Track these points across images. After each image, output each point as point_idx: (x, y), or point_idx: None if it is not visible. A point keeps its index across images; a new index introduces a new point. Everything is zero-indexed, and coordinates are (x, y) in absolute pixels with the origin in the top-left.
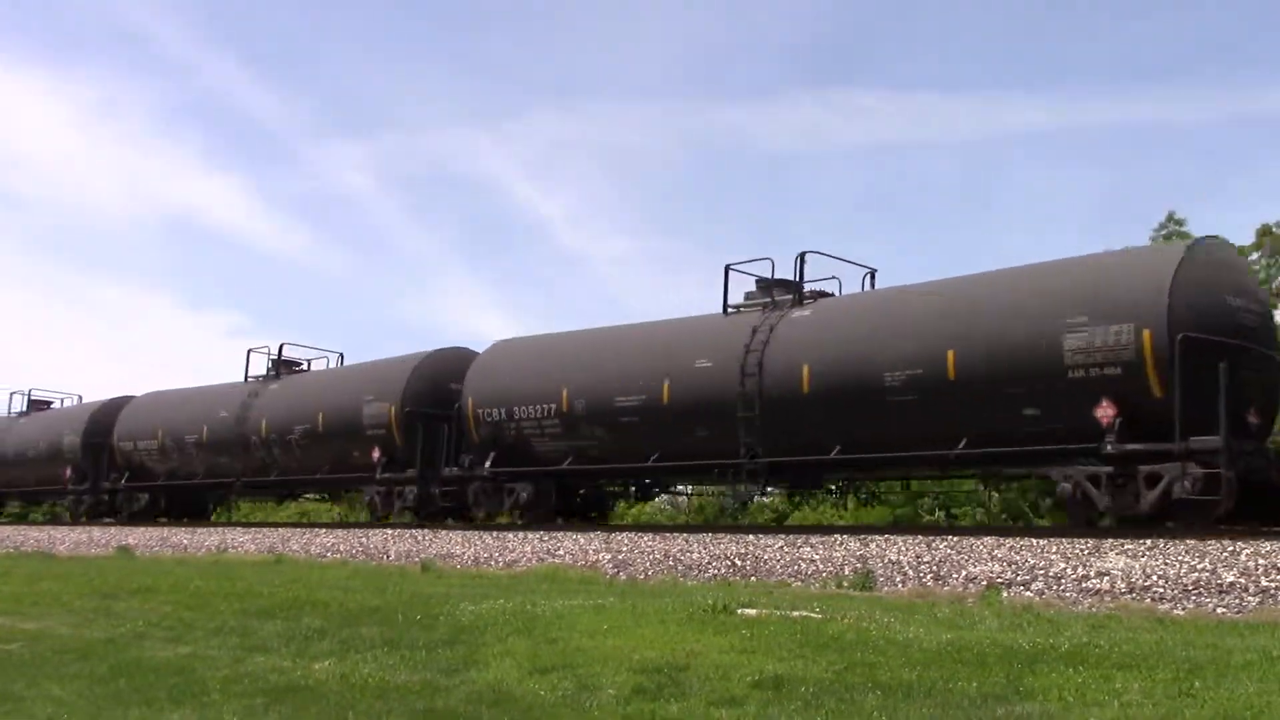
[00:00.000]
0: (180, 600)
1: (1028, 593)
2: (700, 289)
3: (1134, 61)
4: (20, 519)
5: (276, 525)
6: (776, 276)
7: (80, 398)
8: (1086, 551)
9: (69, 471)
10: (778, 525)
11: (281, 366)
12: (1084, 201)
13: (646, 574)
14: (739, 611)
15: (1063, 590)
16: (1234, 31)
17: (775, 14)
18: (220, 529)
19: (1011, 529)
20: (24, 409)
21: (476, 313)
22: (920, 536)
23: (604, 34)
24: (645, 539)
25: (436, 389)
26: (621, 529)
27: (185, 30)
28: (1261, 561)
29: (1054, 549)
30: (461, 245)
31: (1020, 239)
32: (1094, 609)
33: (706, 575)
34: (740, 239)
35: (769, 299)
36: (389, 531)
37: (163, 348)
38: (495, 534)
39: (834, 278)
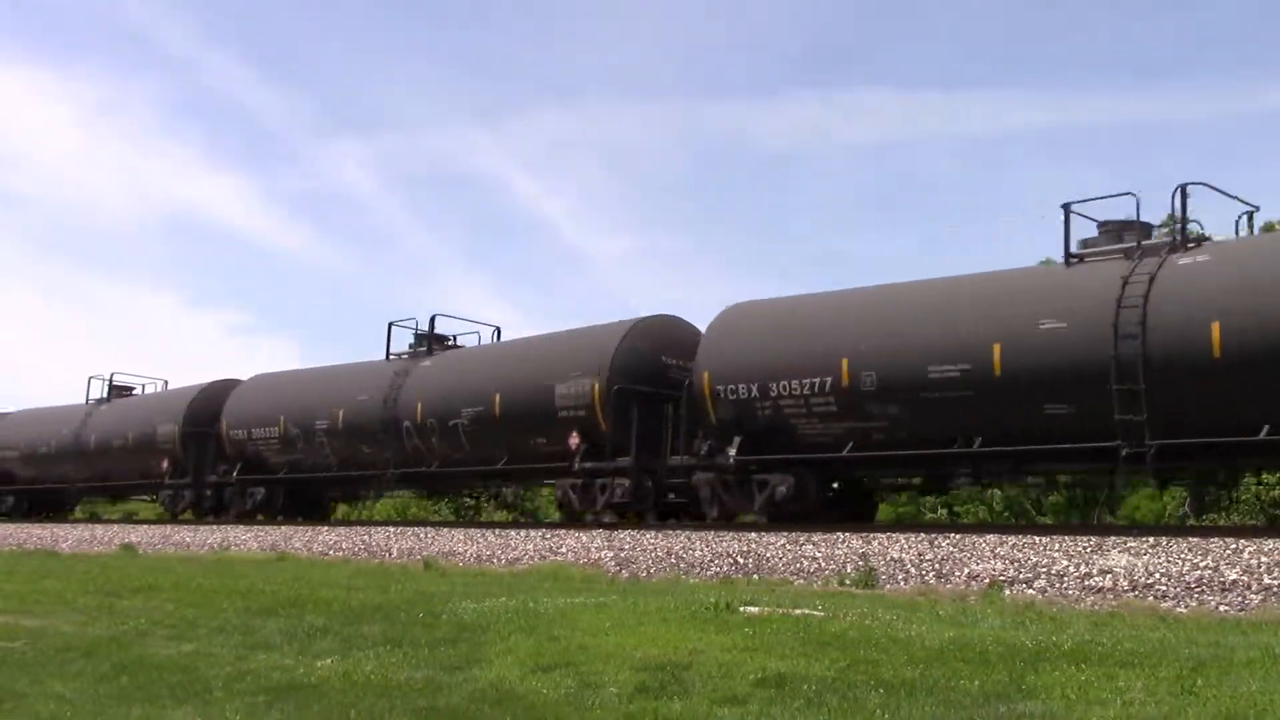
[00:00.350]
0: (183, 598)
1: (1030, 590)
2: (702, 287)
3: (1136, 59)
4: (96, 517)
5: (275, 524)
6: (1133, 219)
7: (166, 383)
8: (1089, 549)
9: (165, 464)
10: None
11: (433, 341)
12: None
13: (649, 572)
14: (741, 609)
15: (1065, 588)
16: (1235, 30)
17: (777, 12)
18: (223, 527)
19: (1014, 527)
20: (104, 395)
21: (478, 311)
22: (922, 534)
23: (605, 32)
24: (647, 537)
25: (648, 363)
26: (623, 527)
27: (187, 29)
28: (1264, 559)
29: (1056, 547)
30: (463, 243)
31: (1021, 238)
32: (1096, 607)
33: (709, 573)
34: (742, 237)
35: (1134, 243)
36: (391, 529)
37: (164, 346)
38: (497, 532)
39: (1195, 222)
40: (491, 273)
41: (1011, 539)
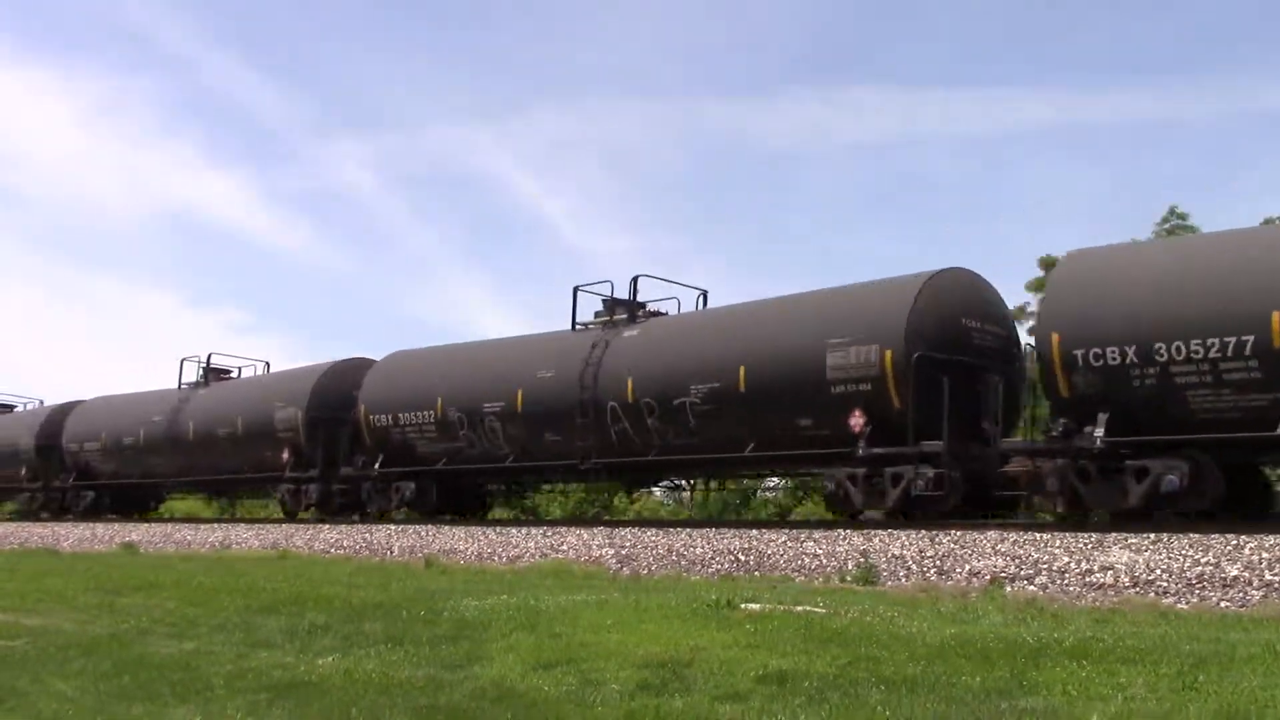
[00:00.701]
0: (184, 596)
1: (1031, 587)
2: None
3: (1136, 57)
4: (193, 517)
5: (278, 521)
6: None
7: (268, 365)
8: (1090, 546)
9: (286, 454)
10: (781, 520)
11: (636, 308)
12: (1086, 197)
13: (650, 569)
14: (743, 606)
15: (1066, 585)
16: (1236, 28)
17: (777, 11)
18: (224, 525)
19: (1015, 523)
20: (199, 379)
21: (479, 309)
22: (923, 531)
23: (605, 30)
24: (649, 534)
25: (949, 327)
26: (625, 524)
27: (187, 28)
28: (1265, 555)
29: (1057, 543)
30: (464, 242)
31: (1021, 235)
32: (1097, 603)
33: (710, 570)
34: (742, 235)
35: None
36: (392, 527)
37: (164, 345)
38: (499, 529)
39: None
40: (492, 272)
41: (1013, 536)
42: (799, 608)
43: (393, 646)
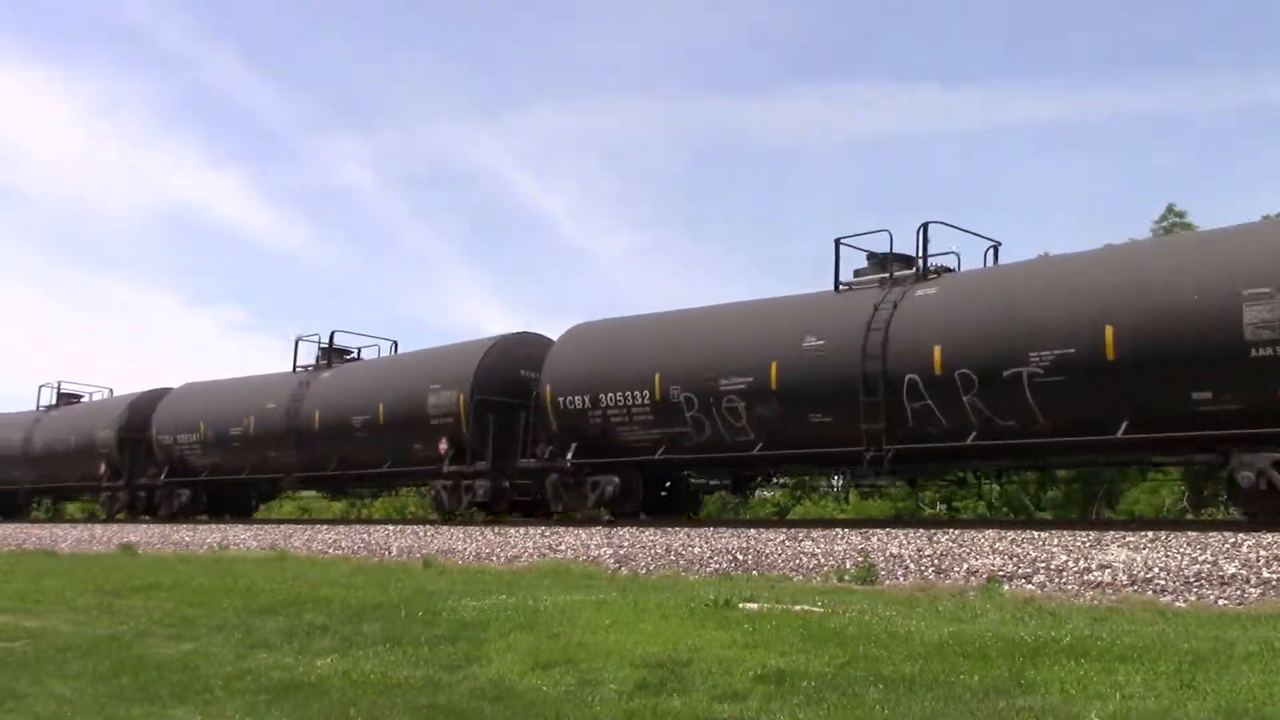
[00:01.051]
0: (183, 597)
1: (1029, 586)
2: (703, 284)
3: (1135, 53)
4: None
5: (279, 521)
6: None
7: (395, 345)
8: (1088, 544)
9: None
10: (779, 519)
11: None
12: (1085, 194)
13: (648, 569)
14: (741, 606)
15: (1064, 583)
16: (1235, 23)
17: (775, 7)
18: (222, 526)
19: (1012, 522)
20: (319, 359)
21: (479, 308)
22: (921, 530)
23: (604, 27)
24: (647, 534)
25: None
26: (623, 524)
27: (186, 27)
28: (1263, 553)
29: (1055, 542)
30: (463, 240)
31: (1021, 232)
32: (1096, 601)
33: (708, 570)
34: (742, 232)
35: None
36: (390, 528)
37: (164, 344)
38: (497, 530)
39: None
40: (491, 270)
41: (1010, 534)
42: (797, 607)
43: (391, 647)
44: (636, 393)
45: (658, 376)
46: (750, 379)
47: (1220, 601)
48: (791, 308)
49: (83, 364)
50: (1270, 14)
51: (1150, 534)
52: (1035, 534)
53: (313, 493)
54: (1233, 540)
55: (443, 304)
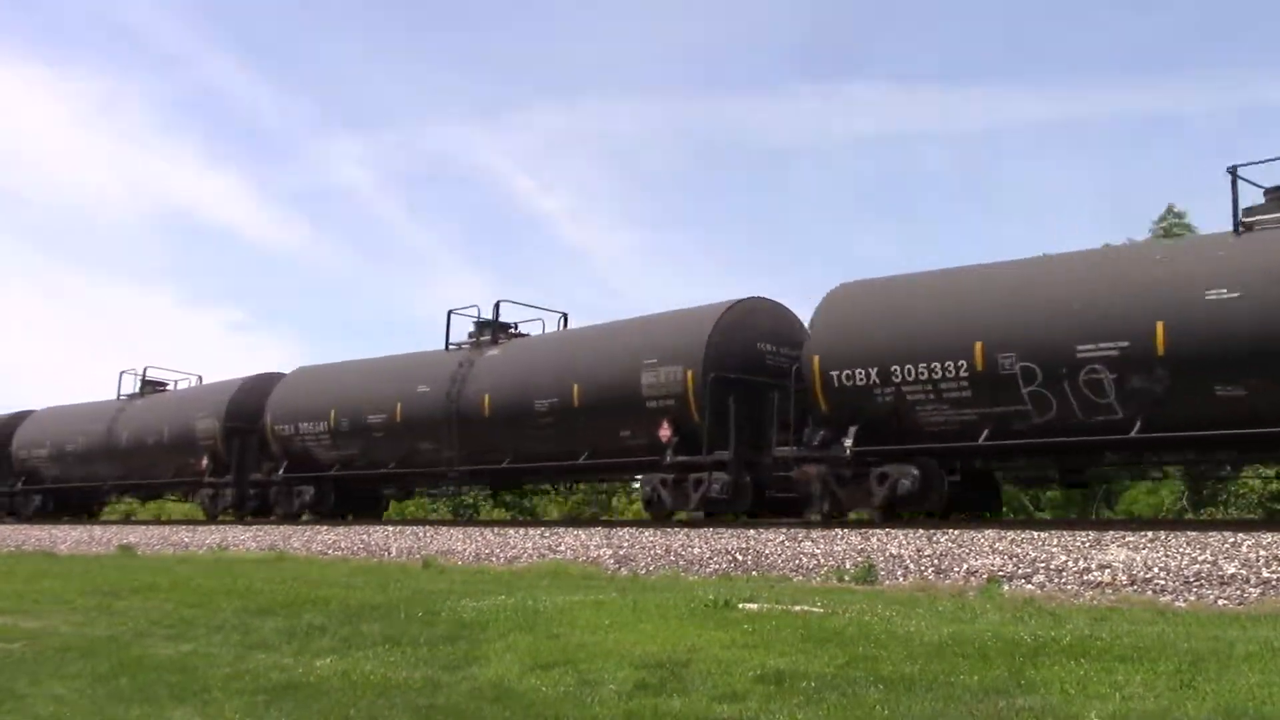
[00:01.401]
0: (181, 598)
1: (1029, 586)
2: (704, 284)
3: (1134, 53)
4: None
5: (273, 523)
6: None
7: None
8: (1087, 544)
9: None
10: (778, 520)
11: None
12: (1084, 194)
13: (648, 569)
14: (740, 606)
15: (1064, 583)
16: (1234, 22)
17: (774, 7)
18: (222, 527)
19: (1012, 522)
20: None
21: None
22: (921, 530)
23: (603, 28)
24: (646, 534)
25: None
26: (622, 524)
27: (183, 26)
28: (1262, 553)
29: (1055, 542)
30: (461, 240)
31: (1020, 231)
32: (1095, 601)
33: (708, 570)
34: (741, 232)
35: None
36: (390, 529)
37: (161, 343)
38: (496, 530)
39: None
40: (491, 270)
41: (1010, 534)
42: (797, 607)
43: (390, 647)
44: (949, 364)
45: (979, 345)
46: (1125, 343)
47: (1220, 601)
48: (1181, 251)
49: (83, 364)
50: (1270, 14)
51: (1150, 534)
52: (1035, 534)
53: (476, 491)
54: (1232, 540)
55: (444, 303)
